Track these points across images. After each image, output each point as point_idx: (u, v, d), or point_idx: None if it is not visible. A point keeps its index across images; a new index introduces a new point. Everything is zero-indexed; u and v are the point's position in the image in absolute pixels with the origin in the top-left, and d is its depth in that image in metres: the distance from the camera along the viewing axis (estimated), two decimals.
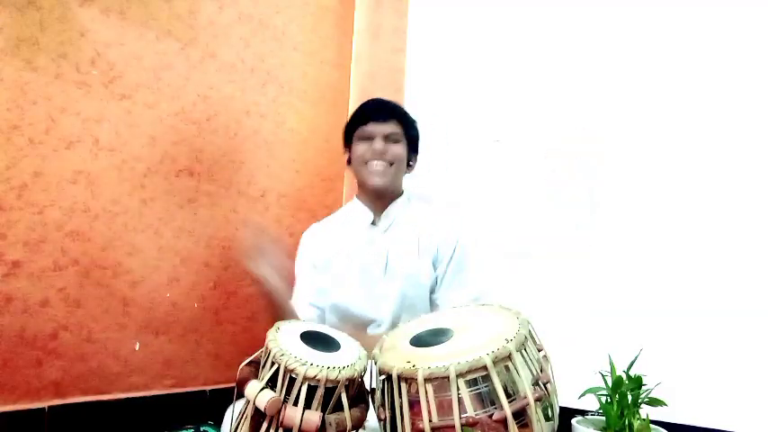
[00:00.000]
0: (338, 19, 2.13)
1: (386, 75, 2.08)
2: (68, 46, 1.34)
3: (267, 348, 0.90)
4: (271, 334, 0.94)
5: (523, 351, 0.87)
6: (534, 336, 0.95)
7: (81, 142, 1.35)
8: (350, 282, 1.37)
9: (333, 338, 1.00)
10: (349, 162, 1.47)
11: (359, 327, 1.35)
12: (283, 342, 0.91)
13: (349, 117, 1.47)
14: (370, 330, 1.35)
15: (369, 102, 1.46)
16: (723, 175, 1.36)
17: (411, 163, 1.47)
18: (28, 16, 1.27)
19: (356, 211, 1.44)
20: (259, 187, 1.79)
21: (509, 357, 0.83)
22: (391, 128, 1.38)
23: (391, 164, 1.38)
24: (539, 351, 0.94)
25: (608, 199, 1.52)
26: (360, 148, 1.39)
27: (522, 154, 1.70)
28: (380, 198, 1.41)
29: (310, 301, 1.39)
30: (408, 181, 1.49)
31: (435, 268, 1.35)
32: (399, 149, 1.39)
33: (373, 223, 1.41)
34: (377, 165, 1.36)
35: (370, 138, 1.38)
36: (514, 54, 1.78)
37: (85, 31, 1.37)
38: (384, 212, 1.41)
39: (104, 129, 1.40)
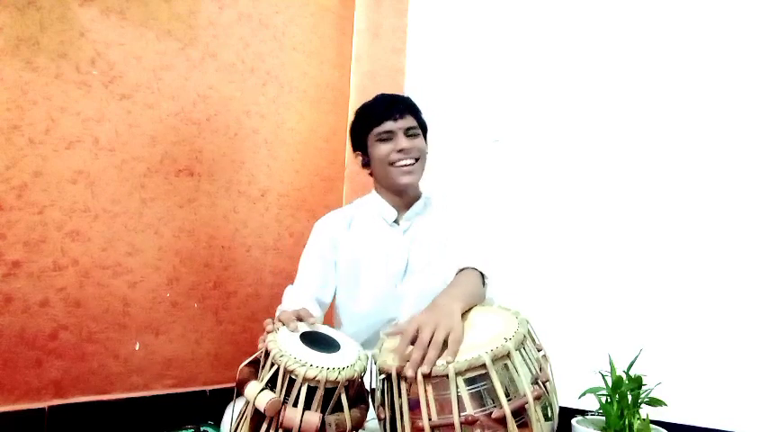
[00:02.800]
0: (338, 19, 2.13)
1: (386, 75, 2.08)
2: (68, 46, 1.34)
3: (267, 349, 0.90)
4: (270, 335, 0.93)
5: (522, 350, 0.87)
6: (533, 335, 0.95)
7: (81, 142, 1.35)
8: (369, 282, 1.35)
9: (332, 339, 1.00)
10: (365, 165, 1.41)
11: (375, 328, 1.33)
12: (283, 343, 0.91)
13: (355, 118, 1.41)
14: (386, 330, 1.33)
15: (378, 100, 1.39)
16: (723, 176, 1.36)
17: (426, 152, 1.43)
18: (28, 16, 1.27)
19: (377, 208, 1.40)
20: (259, 187, 1.79)
21: (508, 356, 0.83)
22: (409, 122, 1.34)
23: (417, 159, 1.34)
24: (538, 350, 0.94)
25: (608, 199, 1.52)
26: (382, 148, 1.33)
27: (522, 154, 1.70)
28: (404, 196, 1.39)
29: (316, 296, 1.34)
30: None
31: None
32: (421, 142, 1.36)
33: (395, 222, 1.39)
34: (405, 163, 1.32)
35: (389, 137, 1.33)
36: (514, 54, 1.78)
37: (85, 31, 1.37)
38: (405, 214, 1.38)
39: (104, 129, 1.40)
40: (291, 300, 1.31)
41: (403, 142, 1.32)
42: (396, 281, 1.34)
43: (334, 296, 1.40)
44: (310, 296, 1.33)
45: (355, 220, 1.42)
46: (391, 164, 1.33)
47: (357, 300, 1.36)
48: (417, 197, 1.41)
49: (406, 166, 1.32)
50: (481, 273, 1.16)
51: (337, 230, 1.41)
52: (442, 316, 0.92)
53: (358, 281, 1.36)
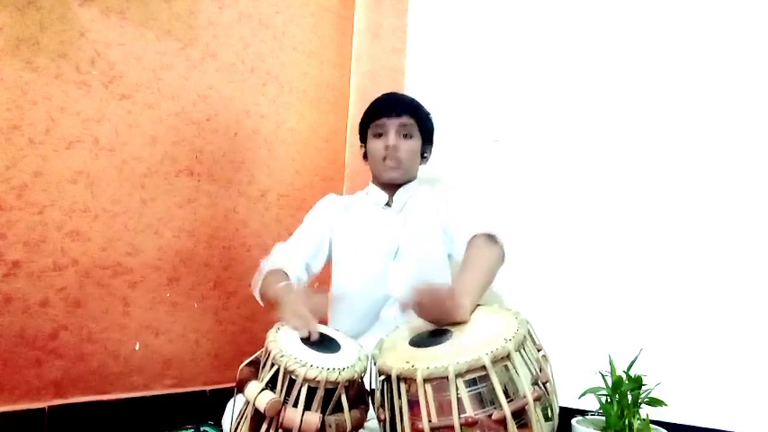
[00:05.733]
0: (338, 19, 2.13)
1: (386, 75, 2.08)
2: (68, 46, 1.34)
3: (267, 349, 0.90)
4: (271, 335, 0.94)
5: (522, 351, 0.87)
6: (533, 336, 0.95)
7: (81, 142, 1.35)
8: (363, 261, 1.38)
9: (333, 339, 1.00)
10: (365, 157, 1.49)
11: (371, 307, 1.37)
12: (283, 343, 0.91)
13: (364, 112, 1.48)
14: (386, 308, 1.36)
15: (382, 96, 1.47)
16: (723, 175, 1.36)
17: (426, 155, 1.49)
18: (28, 16, 1.27)
19: (371, 194, 1.47)
20: (259, 187, 1.79)
21: (508, 357, 0.83)
22: (404, 122, 1.39)
23: (405, 159, 1.40)
24: (538, 351, 0.94)
25: (608, 199, 1.51)
26: (374, 144, 1.41)
27: (522, 154, 1.70)
28: (394, 186, 1.44)
29: (306, 260, 1.38)
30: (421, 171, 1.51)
31: (445, 241, 1.37)
32: (412, 144, 1.41)
33: (387, 204, 1.44)
34: (390, 162, 1.39)
35: (383, 133, 1.40)
36: (514, 54, 1.78)
37: (85, 31, 1.37)
38: (396, 195, 1.44)
39: (104, 129, 1.40)
40: (281, 257, 1.34)
41: (392, 140, 1.38)
42: (388, 260, 1.38)
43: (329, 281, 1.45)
44: (301, 259, 1.37)
45: (352, 206, 1.49)
46: (379, 159, 1.40)
47: (350, 278, 1.39)
48: (409, 181, 1.45)
49: (391, 161, 1.39)
50: (492, 235, 1.21)
51: (335, 211, 1.47)
52: (450, 308, 0.96)
53: (352, 260, 1.40)
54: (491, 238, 1.21)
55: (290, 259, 1.34)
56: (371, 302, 1.37)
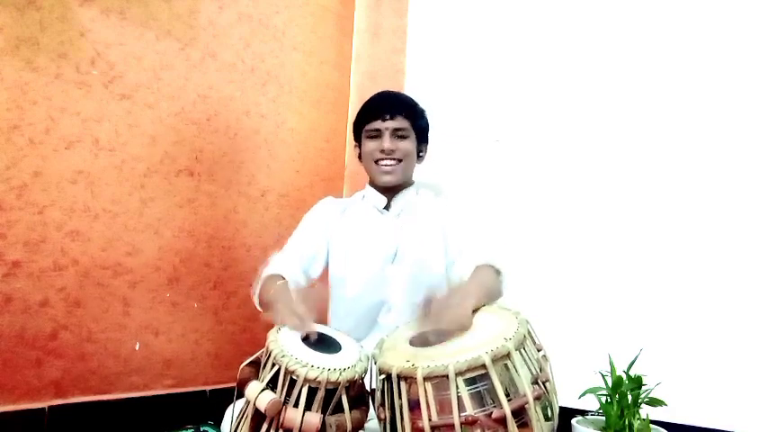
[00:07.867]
0: (338, 19, 2.13)
1: (386, 75, 2.08)
2: (68, 46, 1.34)
3: (268, 349, 0.90)
4: (272, 335, 0.94)
5: (522, 350, 0.87)
6: (533, 335, 0.95)
7: (81, 142, 1.35)
8: (360, 265, 1.37)
9: (334, 340, 1.00)
10: (360, 158, 1.47)
11: (369, 313, 1.36)
12: (284, 343, 0.91)
13: (357, 111, 1.46)
14: (382, 315, 1.36)
15: (375, 96, 1.46)
16: (723, 175, 1.36)
17: (421, 154, 1.48)
18: (28, 16, 1.27)
19: (369, 197, 1.46)
20: (259, 187, 1.79)
21: (508, 356, 0.83)
22: (398, 123, 1.37)
23: (400, 160, 1.38)
24: (538, 351, 0.94)
25: (608, 199, 1.52)
26: (369, 145, 1.39)
27: (523, 154, 1.70)
28: (391, 190, 1.43)
29: (303, 266, 1.37)
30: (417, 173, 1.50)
31: (448, 253, 1.37)
32: (408, 145, 1.40)
33: (386, 208, 1.43)
34: (386, 164, 1.37)
35: (377, 135, 1.38)
36: (514, 54, 1.78)
37: (85, 31, 1.37)
38: (394, 199, 1.42)
39: (104, 129, 1.40)
40: (279, 264, 1.32)
41: (387, 143, 1.36)
42: (385, 264, 1.37)
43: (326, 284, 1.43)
44: (298, 265, 1.35)
45: (349, 209, 1.47)
46: (375, 161, 1.38)
47: (348, 283, 1.38)
48: (407, 186, 1.44)
49: (387, 166, 1.37)
50: (497, 269, 1.20)
51: (332, 215, 1.45)
52: (452, 306, 0.97)
53: (349, 264, 1.39)
54: (496, 271, 1.20)
55: (287, 266, 1.32)
56: (369, 308, 1.36)
